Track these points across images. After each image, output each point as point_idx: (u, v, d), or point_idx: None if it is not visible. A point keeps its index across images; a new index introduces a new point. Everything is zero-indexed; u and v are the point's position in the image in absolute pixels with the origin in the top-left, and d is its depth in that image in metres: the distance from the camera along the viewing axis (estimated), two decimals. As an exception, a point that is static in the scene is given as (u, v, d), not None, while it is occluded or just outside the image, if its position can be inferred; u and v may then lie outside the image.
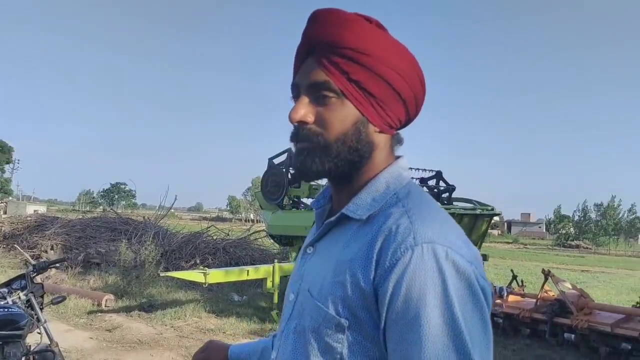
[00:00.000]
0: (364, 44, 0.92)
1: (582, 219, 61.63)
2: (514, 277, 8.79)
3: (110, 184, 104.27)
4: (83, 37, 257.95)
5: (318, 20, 0.96)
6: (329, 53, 0.93)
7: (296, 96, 0.98)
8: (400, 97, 0.96)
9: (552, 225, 65.12)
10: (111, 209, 20.76)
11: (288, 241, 9.73)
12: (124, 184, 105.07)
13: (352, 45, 0.92)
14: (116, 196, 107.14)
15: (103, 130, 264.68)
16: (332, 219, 0.98)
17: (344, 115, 0.94)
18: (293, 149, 0.99)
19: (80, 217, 17.71)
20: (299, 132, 0.95)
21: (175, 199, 18.03)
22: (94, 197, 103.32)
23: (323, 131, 0.94)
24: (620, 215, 61.22)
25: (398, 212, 0.90)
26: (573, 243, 55.55)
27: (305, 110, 0.94)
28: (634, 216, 60.03)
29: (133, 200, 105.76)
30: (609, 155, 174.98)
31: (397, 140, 1.02)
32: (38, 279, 4.04)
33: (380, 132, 0.97)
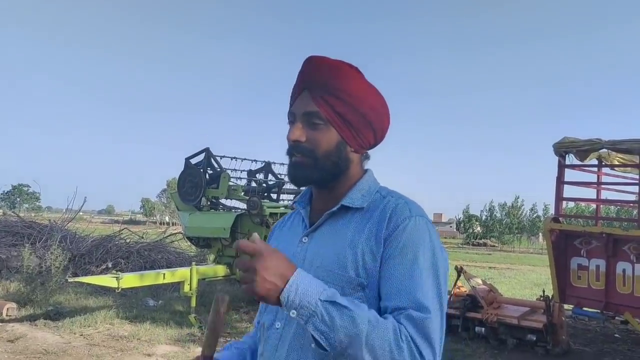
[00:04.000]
0: (347, 86, 1.25)
1: (488, 218, 64.91)
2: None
3: (12, 185, 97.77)
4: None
5: (313, 64, 1.28)
6: (320, 91, 1.24)
7: (292, 121, 1.28)
8: (371, 127, 1.29)
9: (461, 225, 68.12)
10: (12, 212, 19.36)
11: (206, 243, 9.51)
12: (27, 185, 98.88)
13: (339, 86, 1.24)
14: (18, 199, 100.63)
15: (1, 128, 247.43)
16: (334, 209, 1.27)
17: (329, 137, 1.25)
18: (289, 162, 1.29)
19: (-22, 220, 16.40)
20: (295, 148, 1.25)
21: (85, 201, 17.05)
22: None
23: (313, 149, 1.25)
24: (523, 214, 65.08)
25: (393, 199, 1.25)
26: (481, 241, 58.47)
27: (300, 132, 1.25)
28: (535, 215, 64.00)
29: (37, 203, 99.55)
30: (513, 157, 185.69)
31: (365, 157, 1.36)
32: None
33: (355, 152, 1.30)
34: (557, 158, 7.05)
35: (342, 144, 1.26)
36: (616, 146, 6.66)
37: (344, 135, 1.26)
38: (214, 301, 1.20)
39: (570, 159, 6.97)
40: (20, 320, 7.66)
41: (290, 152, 1.27)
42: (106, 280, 7.03)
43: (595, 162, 7.39)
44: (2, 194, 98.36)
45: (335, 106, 1.24)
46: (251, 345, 1.46)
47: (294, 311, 1.06)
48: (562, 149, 6.91)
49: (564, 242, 6.92)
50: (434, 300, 1.13)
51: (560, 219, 7.18)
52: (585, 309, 7.21)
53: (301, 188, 1.40)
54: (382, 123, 1.32)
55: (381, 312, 1.14)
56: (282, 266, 1.08)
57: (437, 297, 1.14)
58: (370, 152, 1.39)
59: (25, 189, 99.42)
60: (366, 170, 1.36)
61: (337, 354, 1.06)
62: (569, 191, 7.28)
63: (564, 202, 7.49)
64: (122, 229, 14.44)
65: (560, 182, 7.04)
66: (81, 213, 19.11)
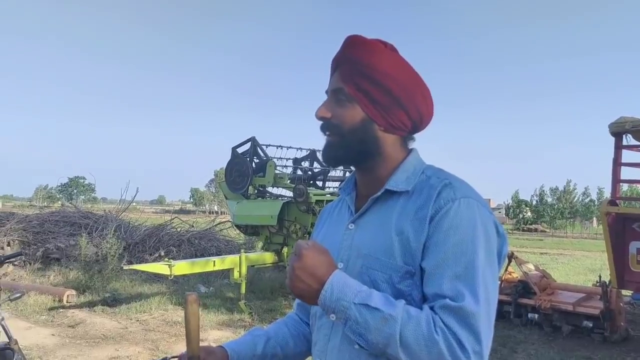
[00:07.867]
0: (373, 62, 1.21)
1: (539, 203, 63.28)
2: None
3: (69, 178, 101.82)
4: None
5: (346, 43, 1.26)
6: (347, 68, 1.23)
7: None
8: (400, 104, 1.22)
9: (511, 210, 66.61)
10: (70, 204, 20.15)
11: (254, 231, 9.63)
12: (83, 177, 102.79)
13: (364, 62, 1.21)
14: (75, 190, 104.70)
15: (58, 123, 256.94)
16: (378, 194, 1.23)
17: (353, 114, 1.22)
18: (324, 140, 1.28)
19: (38, 212, 17.14)
20: (324, 125, 1.25)
21: (137, 191, 17.58)
22: (51, 192, 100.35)
23: (339, 124, 1.23)
24: (575, 198, 63.16)
25: (438, 180, 1.18)
26: (532, 227, 57.05)
27: (325, 109, 1.25)
28: (588, 199, 62.03)
29: (93, 194, 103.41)
30: (564, 140, 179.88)
31: (408, 140, 1.30)
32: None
33: (385, 131, 1.24)
34: (613, 139, 6.78)
35: (368, 121, 1.22)
36: (677, 125, 6.33)
37: (368, 111, 1.22)
38: (185, 301, 1.23)
39: (628, 140, 6.68)
40: (79, 306, 7.99)
41: (321, 130, 1.27)
42: (159, 267, 7.22)
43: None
44: (60, 186, 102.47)
45: (360, 83, 1.21)
46: (270, 334, 1.42)
47: (333, 315, 1.09)
48: (618, 129, 6.63)
49: (622, 226, 6.66)
50: (474, 285, 1.05)
51: (617, 201, 6.91)
52: (645, 295, 6.93)
53: (346, 175, 1.37)
54: (414, 101, 1.24)
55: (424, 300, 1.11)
56: (320, 267, 1.10)
57: (478, 282, 1.05)
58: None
59: (81, 181, 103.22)
60: (411, 150, 1.29)
61: (380, 353, 1.07)
62: (626, 173, 6.99)
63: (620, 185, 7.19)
64: (173, 218, 14.79)
65: (617, 163, 6.77)
66: (134, 203, 19.75)
